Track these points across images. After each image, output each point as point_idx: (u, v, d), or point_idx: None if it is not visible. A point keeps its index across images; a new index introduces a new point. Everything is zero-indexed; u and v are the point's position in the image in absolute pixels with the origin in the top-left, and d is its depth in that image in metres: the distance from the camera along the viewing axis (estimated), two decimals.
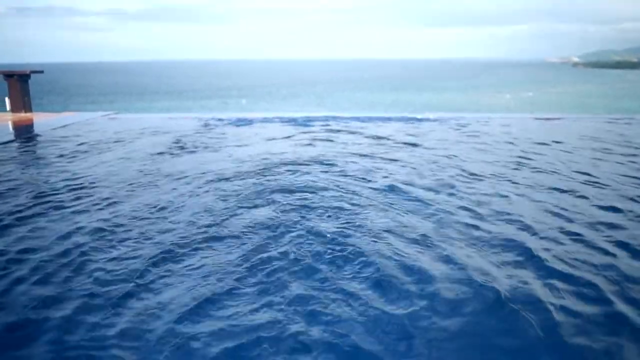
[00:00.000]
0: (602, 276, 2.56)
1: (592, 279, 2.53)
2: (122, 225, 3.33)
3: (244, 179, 4.52)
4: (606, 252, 2.85)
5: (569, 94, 51.59)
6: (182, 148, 6.06)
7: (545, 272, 2.61)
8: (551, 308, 2.25)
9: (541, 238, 3.04)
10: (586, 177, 4.49)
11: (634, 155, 5.46)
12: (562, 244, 2.98)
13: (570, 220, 3.34)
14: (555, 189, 4.12)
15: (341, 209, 3.61)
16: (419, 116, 8.66)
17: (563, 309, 2.25)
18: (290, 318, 2.21)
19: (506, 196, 3.95)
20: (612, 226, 3.25)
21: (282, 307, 2.31)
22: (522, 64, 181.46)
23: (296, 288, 2.46)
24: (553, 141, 6.29)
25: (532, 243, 2.95)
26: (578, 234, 3.12)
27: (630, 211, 3.54)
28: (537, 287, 2.43)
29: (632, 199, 3.82)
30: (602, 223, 3.31)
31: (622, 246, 2.93)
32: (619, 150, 5.70)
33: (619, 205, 3.67)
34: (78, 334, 2.12)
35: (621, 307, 2.28)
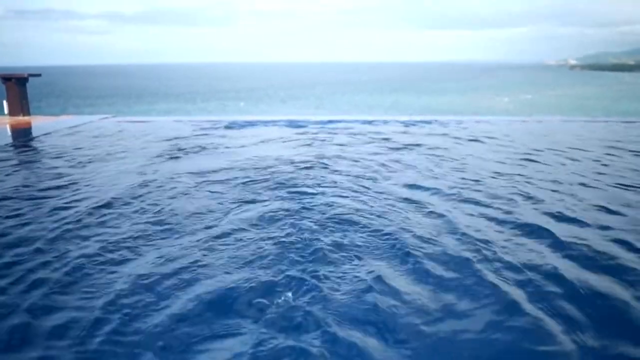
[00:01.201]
0: None
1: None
2: (121, 225, 3.31)
3: (243, 178, 4.57)
4: None
5: (568, 96, 51.78)
6: (181, 150, 6.04)
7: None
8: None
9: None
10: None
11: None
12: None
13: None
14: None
15: (340, 205, 3.70)
16: (417, 118, 8.66)
17: None
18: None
19: (511, 197, 3.93)
20: None
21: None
22: (521, 66, 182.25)
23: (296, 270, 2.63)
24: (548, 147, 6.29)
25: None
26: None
27: None
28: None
29: None
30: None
31: None
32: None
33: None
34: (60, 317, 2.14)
35: None
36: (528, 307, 2.26)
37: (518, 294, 2.39)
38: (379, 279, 2.52)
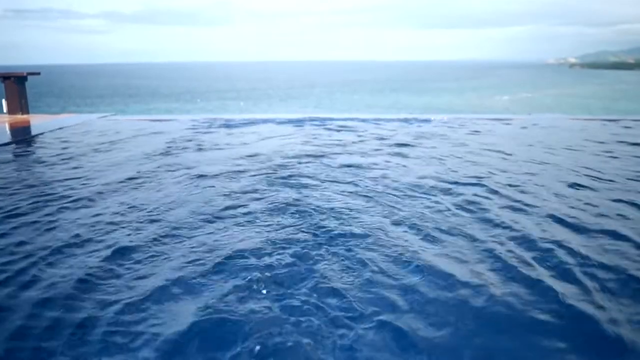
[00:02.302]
0: None
1: None
2: (115, 220, 3.33)
3: (239, 172, 4.66)
4: None
5: (568, 95, 51.78)
6: (178, 147, 6.06)
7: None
8: None
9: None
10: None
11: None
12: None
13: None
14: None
15: (335, 199, 3.78)
16: (415, 117, 8.66)
17: None
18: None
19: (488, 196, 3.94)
20: None
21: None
22: (521, 65, 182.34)
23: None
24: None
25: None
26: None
27: None
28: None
29: None
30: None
31: None
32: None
33: None
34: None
35: None
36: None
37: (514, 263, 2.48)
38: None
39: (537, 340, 1.99)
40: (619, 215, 3.41)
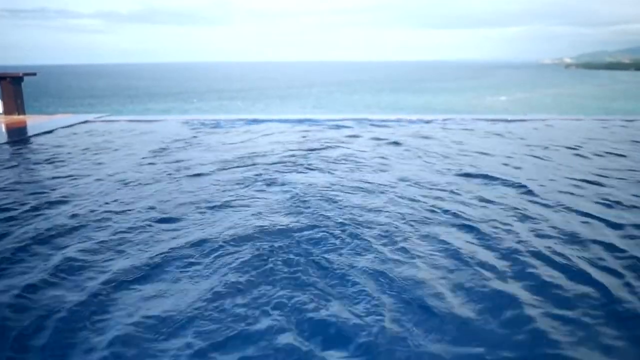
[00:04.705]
0: None
1: None
2: (117, 217, 3.37)
3: (236, 170, 4.78)
4: None
5: (568, 95, 51.91)
6: (173, 148, 6.08)
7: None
8: None
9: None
10: None
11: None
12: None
13: None
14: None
15: (328, 189, 3.98)
16: (413, 117, 8.68)
17: None
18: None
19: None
20: None
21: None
22: (518, 65, 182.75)
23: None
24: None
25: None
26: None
27: None
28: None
29: None
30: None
31: None
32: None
33: None
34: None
35: None
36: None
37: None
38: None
39: None
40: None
